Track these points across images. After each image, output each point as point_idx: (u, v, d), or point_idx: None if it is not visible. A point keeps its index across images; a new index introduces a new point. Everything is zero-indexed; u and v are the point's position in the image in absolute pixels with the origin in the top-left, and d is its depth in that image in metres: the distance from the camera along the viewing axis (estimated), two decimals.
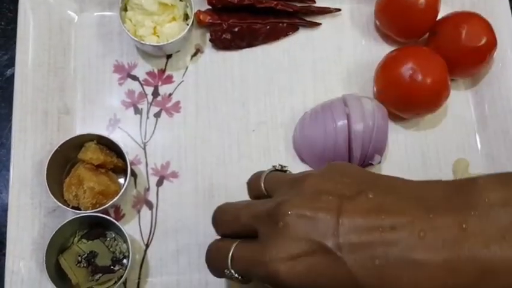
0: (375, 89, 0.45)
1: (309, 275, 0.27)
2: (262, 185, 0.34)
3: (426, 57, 0.43)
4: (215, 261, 0.33)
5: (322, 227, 0.27)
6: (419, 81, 0.41)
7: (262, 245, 0.29)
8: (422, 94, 0.42)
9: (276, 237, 0.28)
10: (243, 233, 0.32)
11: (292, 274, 0.27)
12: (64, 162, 0.42)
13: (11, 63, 0.46)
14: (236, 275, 0.31)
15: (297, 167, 0.44)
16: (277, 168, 0.35)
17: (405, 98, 0.42)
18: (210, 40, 0.46)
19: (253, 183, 0.35)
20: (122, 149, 0.40)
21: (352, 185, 0.28)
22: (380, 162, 0.42)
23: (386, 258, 0.25)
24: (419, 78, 0.41)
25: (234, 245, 0.31)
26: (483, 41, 0.43)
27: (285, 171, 0.35)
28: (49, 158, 0.39)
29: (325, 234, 0.26)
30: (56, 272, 0.38)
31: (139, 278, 0.41)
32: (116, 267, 0.39)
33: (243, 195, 0.43)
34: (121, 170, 0.42)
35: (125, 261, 0.40)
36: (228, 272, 0.31)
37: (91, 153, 0.40)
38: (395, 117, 0.45)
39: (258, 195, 0.34)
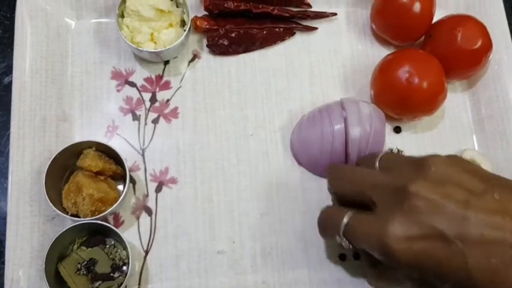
0: (372, 93, 0.45)
1: (424, 258, 0.28)
2: (377, 163, 0.35)
3: (423, 60, 0.43)
4: (327, 226, 0.35)
5: (448, 215, 0.28)
6: (416, 84, 0.41)
7: (381, 220, 0.30)
8: (419, 97, 0.42)
9: (398, 215, 0.29)
10: (357, 198, 0.33)
11: (407, 254, 0.28)
12: (62, 169, 0.42)
13: (9, 70, 0.46)
14: (346, 242, 0.33)
15: (294, 170, 0.44)
16: (394, 151, 0.36)
17: (402, 101, 0.43)
18: (207, 46, 0.46)
19: (366, 161, 0.37)
20: (121, 155, 0.41)
21: (479, 182, 0.29)
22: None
23: (502, 258, 0.27)
24: (415, 81, 0.41)
25: (349, 213, 0.33)
26: (479, 44, 0.43)
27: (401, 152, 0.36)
28: (48, 165, 0.39)
29: (450, 224, 0.28)
30: (56, 280, 0.38)
31: (139, 285, 0.41)
32: (116, 274, 0.39)
33: (242, 200, 0.43)
34: (120, 177, 0.42)
35: (125, 268, 0.39)
36: (339, 238, 0.33)
37: (90, 160, 0.40)
38: (392, 120, 0.46)
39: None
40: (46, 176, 0.39)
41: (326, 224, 0.36)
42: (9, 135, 0.42)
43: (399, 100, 0.43)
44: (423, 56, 0.43)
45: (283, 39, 0.48)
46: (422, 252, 0.28)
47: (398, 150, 0.37)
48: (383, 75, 0.44)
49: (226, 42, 0.46)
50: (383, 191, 0.31)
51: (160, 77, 0.46)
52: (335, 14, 0.49)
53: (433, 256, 0.28)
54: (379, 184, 0.32)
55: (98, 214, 0.39)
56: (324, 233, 0.37)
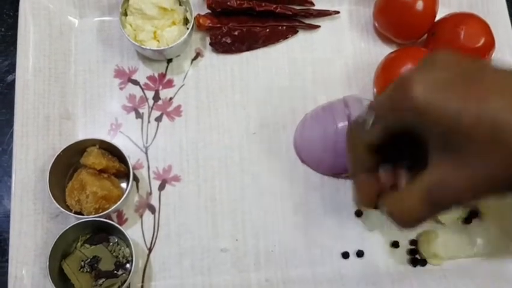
0: (375, 90, 0.46)
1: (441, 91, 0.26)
2: None
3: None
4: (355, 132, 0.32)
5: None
6: None
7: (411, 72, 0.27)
8: None
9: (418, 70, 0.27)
10: None
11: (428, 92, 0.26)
12: (66, 167, 0.42)
13: (12, 69, 0.46)
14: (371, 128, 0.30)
15: (297, 168, 0.44)
16: None
17: None
18: (210, 44, 0.46)
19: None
20: (124, 153, 0.41)
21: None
22: None
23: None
24: None
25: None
26: (481, 42, 0.43)
27: None
28: (51, 163, 0.39)
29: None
30: (59, 278, 0.38)
31: (143, 282, 0.41)
32: (120, 272, 0.39)
33: (246, 198, 0.43)
34: (123, 175, 0.42)
35: (128, 265, 0.39)
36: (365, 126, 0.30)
37: (93, 158, 0.40)
38: None
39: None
40: (50, 173, 0.39)
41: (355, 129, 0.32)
42: (12, 133, 0.42)
43: None
44: (426, 54, 0.43)
45: (286, 38, 0.48)
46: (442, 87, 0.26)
47: None
48: (386, 73, 0.44)
49: (229, 41, 0.46)
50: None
51: (163, 75, 0.46)
52: (338, 12, 0.49)
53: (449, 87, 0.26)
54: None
55: (102, 212, 0.39)
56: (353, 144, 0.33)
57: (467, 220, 0.43)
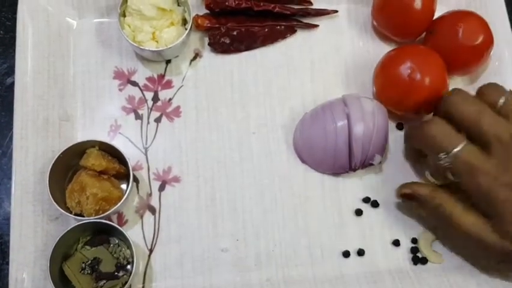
0: (374, 89, 0.46)
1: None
2: (501, 101, 0.37)
3: (425, 56, 0.43)
4: (435, 140, 0.37)
5: None
6: (418, 80, 0.41)
7: (496, 163, 0.35)
8: (421, 93, 0.42)
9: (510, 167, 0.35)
10: (473, 131, 0.36)
11: (504, 199, 0.34)
12: (65, 169, 0.42)
13: (11, 71, 0.46)
14: (446, 164, 0.36)
15: (297, 168, 0.44)
16: None
17: (404, 97, 0.43)
18: (209, 44, 0.46)
19: (491, 93, 0.38)
20: (124, 154, 0.41)
21: None
22: (380, 162, 0.43)
23: None
24: (417, 77, 0.41)
25: (464, 143, 0.36)
26: (480, 40, 0.43)
27: None
28: (51, 165, 0.39)
29: None
30: (60, 280, 0.38)
31: (144, 284, 0.41)
32: (121, 273, 0.39)
33: (246, 198, 0.43)
34: (123, 176, 0.42)
35: (129, 267, 0.39)
36: (443, 157, 0.36)
37: (93, 160, 0.40)
38: (395, 117, 0.46)
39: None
40: (49, 175, 0.39)
41: (435, 138, 0.37)
42: (12, 135, 0.42)
43: (401, 96, 0.43)
44: (426, 52, 0.43)
45: (285, 37, 0.48)
46: None
47: None
48: (385, 71, 0.44)
49: (227, 41, 0.46)
50: (504, 139, 0.35)
51: (162, 76, 0.46)
52: (336, 11, 0.49)
53: None
54: (502, 131, 0.35)
55: (102, 213, 0.39)
56: (430, 142, 0.38)
57: None
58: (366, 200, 0.44)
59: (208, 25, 0.46)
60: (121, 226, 0.40)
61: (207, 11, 0.47)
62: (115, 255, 0.40)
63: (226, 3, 0.46)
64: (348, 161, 0.42)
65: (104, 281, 0.39)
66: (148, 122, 0.45)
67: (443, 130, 0.37)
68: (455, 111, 0.38)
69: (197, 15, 0.46)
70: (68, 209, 0.40)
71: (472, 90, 0.47)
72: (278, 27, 0.47)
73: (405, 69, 0.42)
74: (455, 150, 0.36)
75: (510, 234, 0.35)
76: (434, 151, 0.37)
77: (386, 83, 0.44)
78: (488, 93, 0.39)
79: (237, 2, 0.46)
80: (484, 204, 0.36)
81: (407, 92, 0.42)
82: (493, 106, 0.38)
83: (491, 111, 0.37)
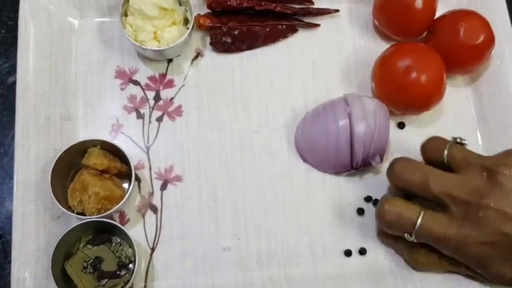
0: (372, 85, 0.45)
1: (487, 258, 0.35)
2: (446, 153, 0.37)
3: (423, 53, 0.43)
4: (396, 223, 0.37)
5: None
6: (414, 76, 0.41)
7: (459, 223, 0.35)
8: (417, 89, 0.42)
9: (473, 223, 0.35)
10: (425, 196, 0.36)
11: (476, 255, 0.35)
12: (67, 168, 0.42)
13: (13, 70, 0.46)
14: (415, 241, 0.36)
15: (299, 167, 0.44)
16: (457, 141, 0.38)
17: (399, 93, 0.43)
18: (210, 43, 0.47)
19: (433, 149, 0.38)
20: (126, 153, 0.41)
21: None
22: (380, 162, 0.43)
23: None
24: (413, 73, 0.41)
25: (423, 213, 0.36)
26: (481, 39, 0.44)
27: (465, 144, 0.38)
28: (53, 164, 0.39)
29: None
30: (62, 279, 0.38)
31: (145, 282, 0.41)
32: (123, 272, 0.39)
33: (247, 197, 0.43)
34: (125, 175, 0.42)
35: (131, 266, 0.39)
36: (408, 236, 0.36)
37: (95, 159, 0.40)
38: (395, 116, 0.46)
39: (434, 161, 0.38)
40: (51, 175, 0.39)
41: (395, 221, 0.37)
42: (13, 134, 0.42)
43: (397, 92, 0.43)
44: (423, 49, 0.43)
45: (286, 36, 0.48)
46: (487, 254, 0.35)
47: (461, 140, 0.38)
48: (382, 67, 0.44)
49: (229, 40, 0.46)
50: (459, 200, 0.35)
51: (163, 76, 0.46)
52: (337, 11, 0.49)
53: (498, 255, 0.35)
54: (454, 193, 0.35)
55: (104, 212, 0.39)
56: (389, 227, 0.38)
57: None
58: (368, 199, 0.44)
59: (210, 24, 0.46)
60: (122, 225, 0.40)
61: (209, 11, 0.47)
62: (116, 254, 0.40)
63: (228, 3, 0.46)
64: (349, 160, 0.42)
65: (106, 280, 0.39)
66: (150, 121, 0.45)
67: (396, 210, 0.37)
68: (402, 182, 0.38)
69: (199, 14, 0.46)
70: (70, 208, 0.40)
71: (472, 90, 0.48)
72: (279, 26, 0.47)
73: (401, 65, 0.42)
74: (417, 224, 0.36)
75: (500, 276, 0.36)
76: (400, 232, 0.37)
77: (383, 79, 0.44)
78: (430, 149, 0.39)
79: (238, 2, 0.46)
80: (466, 261, 0.37)
81: (402, 88, 0.42)
82: (439, 161, 0.38)
83: (435, 171, 0.37)
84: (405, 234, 0.37)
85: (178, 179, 0.44)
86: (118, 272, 0.39)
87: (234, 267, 0.42)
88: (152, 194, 0.43)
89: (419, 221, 0.36)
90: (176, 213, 0.43)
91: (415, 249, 0.39)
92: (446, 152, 0.38)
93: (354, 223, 0.43)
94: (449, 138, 0.39)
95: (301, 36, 0.48)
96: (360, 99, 0.42)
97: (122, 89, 0.46)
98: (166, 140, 0.44)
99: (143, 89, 0.46)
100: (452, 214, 0.35)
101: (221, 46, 0.47)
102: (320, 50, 0.48)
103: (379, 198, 0.44)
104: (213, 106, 0.46)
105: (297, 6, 0.48)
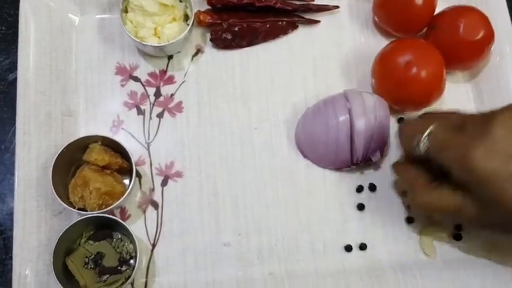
0: (372, 81, 0.46)
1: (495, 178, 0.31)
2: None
3: (422, 49, 0.43)
4: (410, 132, 0.38)
5: None
6: (414, 72, 0.41)
7: (469, 135, 0.33)
8: (416, 85, 0.42)
9: (484, 135, 0.32)
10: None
11: (486, 172, 0.31)
12: (68, 164, 0.42)
13: (13, 67, 0.46)
14: (425, 146, 0.35)
15: (299, 163, 0.45)
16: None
17: (399, 88, 0.43)
18: (211, 40, 0.47)
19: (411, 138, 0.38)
20: (127, 149, 0.41)
21: None
22: (380, 157, 0.43)
23: None
24: (413, 68, 0.41)
25: (435, 124, 0.35)
26: (481, 35, 0.44)
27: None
28: (54, 160, 0.39)
29: None
30: (64, 274, 0.39)
31: (146, 278, 0.41)
32: (124, 268, 0.39)
33: (248, 193, 0.43)
34: (126, 171, 0.42)
35: (132, 261, 0.40)
36: (418, 144, 0.36)
37: (96, 155, 0.40)
38: (395, 112, 0.46)
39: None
40: (52, 170, 0.39)
41: (410, 130, 0.38)
42: (14, 131, 0.42)
43: (397, 88, 0.43)
44: (423, 45, 0.43)
45: (286, 33, 0.48)
46: (498, 172, 0.31)
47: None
48: (382, 63, 0.44)
49: (229, 36, 0.46)
50: (470, 119, 0.34)
51: (164, 72, 0.46)
52: (338, 7, 0.49)
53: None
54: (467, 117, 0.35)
55: (105, 208, 0.39)
56: (405, 138, 0.39)
57: (457, 237, 0.43)
58: (371, 187, 0.44)
59: (210, 21, 0.46)
60: (123, 221, 0.40)
61: (209, 7, 0.47)
62: (118, 250, 0.40)
63: None
64: (349, 156, 0.43)
65: (107, 276, 0.39)
66: (151, 118, 0.45)
67: (413, 125, 0.39)
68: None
69: (199, 11, 0.46)
70: (71, 204, 0.40)
71: (472, 86, 0.48)
72: (280, 23, 0.47)
73: (401, 61, 0.42)
74: (429, 129, 0.36)
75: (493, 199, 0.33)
76: (415, 136, 0.37)
77: (382, 75, 0.44)
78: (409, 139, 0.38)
79: None
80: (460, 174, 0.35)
81: (401, 84, 0.42)
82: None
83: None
84: (418, 141, 0.36)
85: (179, 175, 0.44)
86: (119, 268, 0.39)
87: (234, 262, 0.42)
88: (153, 190, 0.43)
89: (431, 128, 0.35)
90: (177, 209, 0.43)
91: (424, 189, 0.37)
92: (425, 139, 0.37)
93: (355, 219, 0.43)
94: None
95: (301, 33, 0.49)
96: (360, 95, 0.43)
97: (122, 86, 0.46)
98: (167, 136, 0.45)
99: (143, 85, 0.46)
100: (466, 128, 0.34)
101: (221, 42, 0.47)
102: (320, 46, 0.48)
103: (379, 194, 0.44)
104: (213, 102, 0.46)
105: (297, 3, 0.48)
